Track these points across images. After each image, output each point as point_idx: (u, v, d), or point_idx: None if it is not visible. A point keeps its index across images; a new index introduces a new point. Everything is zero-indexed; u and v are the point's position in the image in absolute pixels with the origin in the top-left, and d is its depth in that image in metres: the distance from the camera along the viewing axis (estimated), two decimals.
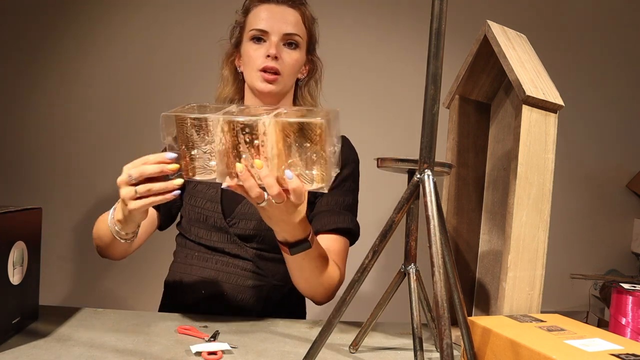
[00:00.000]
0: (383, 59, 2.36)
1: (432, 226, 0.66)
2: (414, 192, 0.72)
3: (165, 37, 2.22)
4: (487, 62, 0.97)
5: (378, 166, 0.84)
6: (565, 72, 2.25)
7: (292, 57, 1.12)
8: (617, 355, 0.61)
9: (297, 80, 1.20)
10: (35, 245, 0.87)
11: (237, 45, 1.19)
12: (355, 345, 0.85)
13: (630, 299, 0.88)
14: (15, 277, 0.80)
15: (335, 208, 1.14)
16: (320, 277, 0.98)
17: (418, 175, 0.71)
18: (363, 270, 0.73)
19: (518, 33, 0.97)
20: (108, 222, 0.91)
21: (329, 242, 1.09)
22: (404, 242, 0.79)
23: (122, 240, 0.90)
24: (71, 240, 2.31)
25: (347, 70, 2.22)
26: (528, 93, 0.83)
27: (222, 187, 0.78)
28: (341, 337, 0.93)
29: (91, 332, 0.86)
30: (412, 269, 0.78)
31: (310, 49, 1.20)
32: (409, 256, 0.79)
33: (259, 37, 1.11)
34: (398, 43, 2.37)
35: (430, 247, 0.65)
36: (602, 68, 2.51)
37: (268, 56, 1.09)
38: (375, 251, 0.73)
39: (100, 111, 2.23)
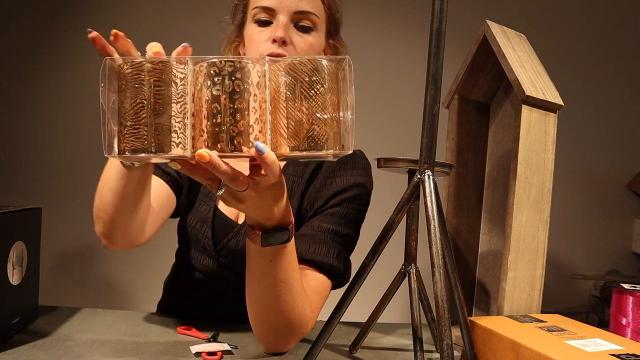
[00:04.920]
0: (383, 59, 2.36)
1: (432, 226, 0.66)
2: (415, 193, 0.72)
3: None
4: (487, 62, 0.97)
5: (379, 166, 0.84)
6: (565, 72, 2.25)
7: (305, 42, 0.90)
8: (618, 356, 0.60)
9: None
10: (35, 246, 0.87)
11: (241, 27, 0.98)
12: (355, 346, 0.85)
13: (630, 299, 0.88)
14: (14, 277, 0.80)
15: (320, 235, 0.89)
16: (284, 304, 0.75)
17: (418, 176, 0.71)
18: (363, 270, 0.73)
19: (517, 33, 0.96)
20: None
21: (302, 276, 0.82)
22: (404, 242, 0.79)
23: (133, 165, 0.70)
24: (71, 240, 2.31)
25: None
26: (527, 93, 0.83)
27: (167, 163, 0.59)
28: (341, 337, 0.93)
29: (91, 332, 0.86)
30: (412, 269, 0.78)
31: (332, 32, 0.99)
32: (409, 256, 0.79)
33: (264, 19, 0.90)
34: (398, 43, 2.37)
35: (430, 247, 0.65)
36: (602, 68, 2.51)
37: (274, 41, 0.88)
38: (375, 251, 0.73)
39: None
